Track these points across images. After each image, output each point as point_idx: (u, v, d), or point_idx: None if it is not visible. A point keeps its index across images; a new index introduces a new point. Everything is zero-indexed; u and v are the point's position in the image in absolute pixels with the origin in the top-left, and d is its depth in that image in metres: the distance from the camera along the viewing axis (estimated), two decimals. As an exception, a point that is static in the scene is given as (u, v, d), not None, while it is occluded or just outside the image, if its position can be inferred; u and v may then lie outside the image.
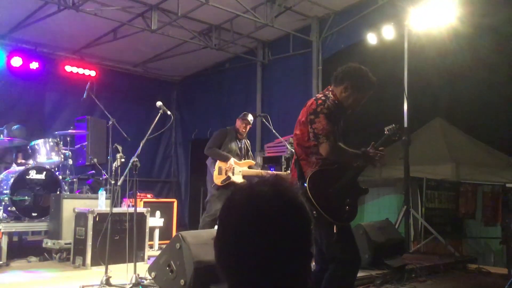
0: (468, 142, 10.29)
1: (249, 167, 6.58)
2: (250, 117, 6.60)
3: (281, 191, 1.21)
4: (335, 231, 3.16)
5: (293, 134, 3.53)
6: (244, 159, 6.61)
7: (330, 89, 3.44)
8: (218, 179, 6.32)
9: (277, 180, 1.24)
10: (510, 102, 9.07)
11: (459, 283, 5.74)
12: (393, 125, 3.48)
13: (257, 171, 6.69)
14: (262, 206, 1.17)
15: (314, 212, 3.07)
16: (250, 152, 6.80)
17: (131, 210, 4.76)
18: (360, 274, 5.20)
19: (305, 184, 3.15)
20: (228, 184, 6.29)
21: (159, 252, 6.55)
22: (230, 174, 6.30)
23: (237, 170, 6.38)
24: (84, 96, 6.81)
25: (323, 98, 3.34)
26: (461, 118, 10.53)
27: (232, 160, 6.32)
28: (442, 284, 5.61)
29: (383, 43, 7.85)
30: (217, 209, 6.22)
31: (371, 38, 7.92)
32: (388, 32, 7.72)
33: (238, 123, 6.59)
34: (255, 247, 1.16)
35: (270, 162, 8.31)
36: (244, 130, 6.59)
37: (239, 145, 6.60)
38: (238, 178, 6.37)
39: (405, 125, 7.74)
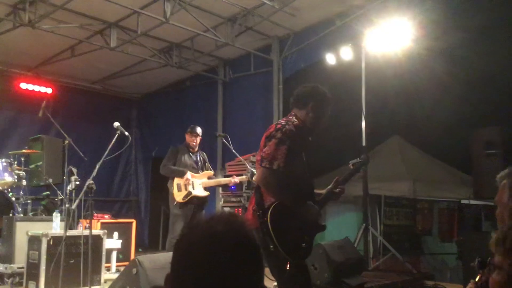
0: (424, 159, 10.54)
1: (209, 178, 6.51)
2: (198, 130, 6.51)
3: (235, 230, 1.21)
4: (287, 267, 3.03)
5: (256, 160, 3.40)
6: (202, 171, 6.53)
7: (293, 113, 3.34)
8: (179, 196, 6.22)
9: (231, 218, 1.24)
10: (462, 121, 9.36)
11: (416, 300, 5.83)
12: (358, 159, 3.45)
13: (218, 180, 6.60)
14: (217, 247, 1.17)
15: (271, 246, 2.94)
16: (208, 164, 6.68)
17: (86, 233, 4.63)
18: (319, 294, 5.23)
19: (266, 216, 2.99)
20: (190, 200, 6.20)
21: (116, 274, 6.40)
22: (190, 188, 6.22)
23: (197, 183, 6.29)
24: (39, 115, 6.63)
25: (283, 123, 3.21)
26: (417, 136, 10.78)
27: (189, 174, 6.23)
28: (400, 302, 5.69)
29: (342, 64, 8.02)
30: (181, 227, 6.10)
31: (330, 59, 8.08)
32: (346, 53, 7.89)
33: (188, 138, 6.51)
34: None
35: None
36: (194, 143, 6.49)
37: (194, 159, 6.51)
38: (199, 191, 6.29)
39: (363, 143, 7.88)
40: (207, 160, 6.71)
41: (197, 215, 6.32)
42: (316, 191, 3.42)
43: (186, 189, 6.21)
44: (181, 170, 6.27)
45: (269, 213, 2.99)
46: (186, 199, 6.18)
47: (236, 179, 6.50)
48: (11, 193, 6.60)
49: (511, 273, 1.42)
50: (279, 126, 3.18)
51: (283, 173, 3.03)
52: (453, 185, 9.66)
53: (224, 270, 1.15)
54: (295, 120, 3.28)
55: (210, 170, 6.65)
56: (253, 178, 3.43)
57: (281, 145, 3.06)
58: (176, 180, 6.26)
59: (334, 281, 5.57)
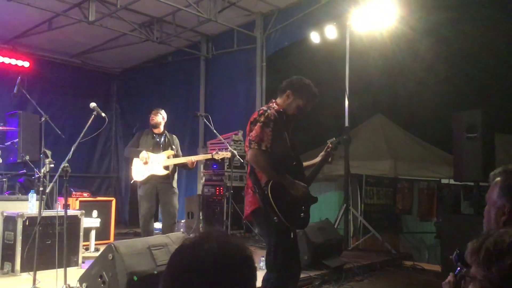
0: (406, 138, 10.58)
1: (168, 157, 6.28)
2: (158, 110, 6.46)
3: (228, 247, 1.19)
4: (292, 236, 3.37)
5: (245, 146, 3.60)
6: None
7: (274, 101, 3.61)
8: (136, 175, 6.20)
9: (221, 235, 1.22)
10: (444, 100, 9.41)
11: (394, 281, 5.89)
12: (334, 138, 3.80)
13: (178, 158, 6.32)
14: (210, 265, 1.14)
15: (275, 218, 3.22)
16: (174, 146, 6.44)
17: (62, 213, 4.53)
18: (299, 275, 5.25)
19: (266, 192, 3.27)
20: (149, 179, 6.12)
21: (95, 253, 6.35)
22: (147, 167, 6.12)
23: (156, 161, 6.15)
24: (14, 91, 6.45)
25: (264, 108, 3.47)
26: (400, 115, 10.82)
27: (144, 152, 6.12)
28: (378, 282, 5.74)
29: (326, 42, 7.90)
30: (145, 207, 6.17)
31: (314, 37, 7.95)
32: (330, 31, 7.77)
33: (150, 119, 6.42)
34: None
35: (213, 159, 8.19)
36: (154, 121, 6.35)
37: (157, 139, 6.37)
38: (157, 170, 6.14)
39: (346, 124, 7.84)
40: (174, 143, 6.47)
41: (163, 197, 6.24)
42: (306, 163, 3.77)
43: (143, 167, 6.14)
44: (138, 150, 6.21)
45: (269, 189, 3.26)
46: (144, 178, 6.12)
47: (194, 159, 6.25)
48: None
49: (483, 285, 1.39)
50: (261, 111, 3.43)
51: (270, 153, 3.31)
52: (434, 165, 9.73)
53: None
54: (275, 105, 3.55)
55: (173, 151, 6.35)
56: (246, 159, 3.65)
57: (265, 127, 3.32)
58: (135, 160, 6.21)
59: (314, 263, 5.60)
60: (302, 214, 3.45)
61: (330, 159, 3.74)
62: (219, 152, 6.18)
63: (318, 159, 3.76)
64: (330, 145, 3.75)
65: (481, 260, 1.40)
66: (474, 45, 8.97)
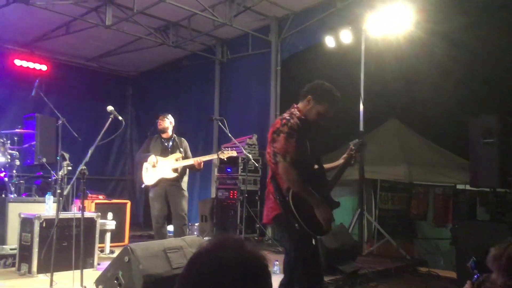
0: (421, 143, 10.49)
1: (177, 160, 6.29)
2: (165, 115, 6.53)
3: (244, 255, 1.20)
4: (313, 243, 3.32)
5: (266, 152, 3.56)
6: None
7: (295, 106, 3.53)
8: (146, 179, 6.26)
9: (237, 243, 1.23)
10: (461, 105, 9.30)
11: (409, 287, 5.84)
12: (357, 140, 3.75)
13: (186, 160, 6.31)
14: (226, 274, 1.16)
15: (297, 225, 3.20)
16: (183, 149, 6.42)
17: (79, 215, 4.58)
18: (313, 280, 5.23)
19: (288, 198, 3.24)
20: (159, 182, 6.17)
21: (110, 255, 6.41)
22: (156, 170, 6.17)
23: (164, 165, 6.20)
24: (32, 94, 6.54)
25: (287, 117, 3.39)
26: (415, 120, 10.73)
27: (153, 156, 6.19)
28: (393, 288, 5.71)
29: (341, 47, 7.88)
30: (157, 209, 6.24)
31: (330, 41, 7.93)
32: (345, 36, 7.75)
33: (157, 125, 6.49)
34: None
35: (227, 162, 8.23)
36: (161, 126, 6.41)
37: (166, 144, 6.42)
38: (166, 173, 6.17)
39: (361, 128, 7.82)
40: (182, 145, 6.48)
41: (172, 200, 6.26)
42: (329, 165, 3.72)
43: (152, 171, 6.20)
44: (146, 154, 6.28)
45: (290, 196, 3.24)
46: (154, 182, 6.19)
47: (199, 160, 6.20)
48: (4, 173, 6.51)
49: None
50: (284, 121, 3.35)
51: (295, 164, 3.25)
52: (449, 170, 9.63)
53: None
54: (297, 112, 3.47)
55: (180, 153, 6.36)
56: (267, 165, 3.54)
57: (290, 138, 3.27)
58: (145, 164, 6.27)
59: (328, 268, 5.57)
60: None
61: (352, 161, 3.68)
62: (225, 152, 6.21)
63: (340, 161, 3.69)
64: (353, 147, 3.69)
65: (502, 267, 1.40)
66: (491, 49, 8.87)
